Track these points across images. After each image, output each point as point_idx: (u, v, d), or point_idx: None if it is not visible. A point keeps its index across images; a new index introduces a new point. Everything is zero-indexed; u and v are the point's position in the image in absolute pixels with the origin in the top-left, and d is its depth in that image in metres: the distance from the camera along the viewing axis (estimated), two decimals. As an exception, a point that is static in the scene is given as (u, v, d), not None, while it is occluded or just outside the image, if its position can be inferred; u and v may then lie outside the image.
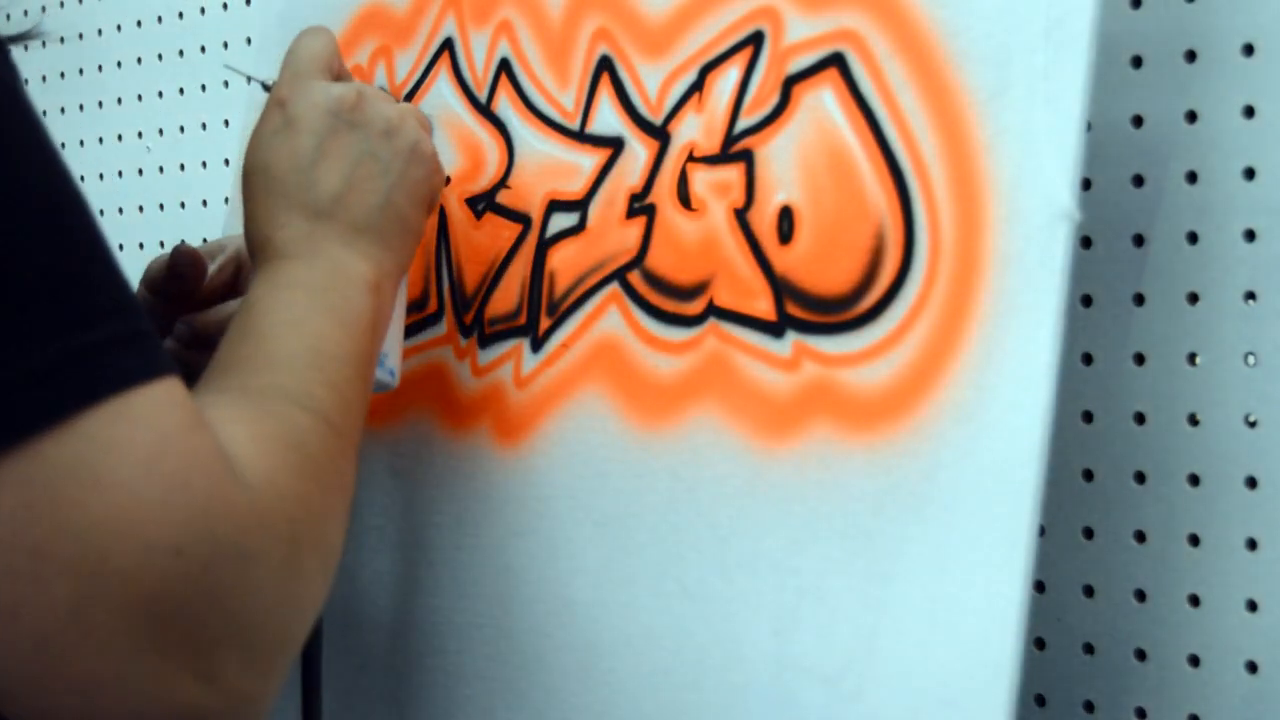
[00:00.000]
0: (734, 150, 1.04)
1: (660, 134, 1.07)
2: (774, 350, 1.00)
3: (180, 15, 1.67)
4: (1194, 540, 1.05)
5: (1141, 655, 1.07)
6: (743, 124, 1.04)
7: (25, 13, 1.80)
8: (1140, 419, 1.07)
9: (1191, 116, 1.05)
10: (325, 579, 0.85)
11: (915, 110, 0.96)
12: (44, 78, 1.79)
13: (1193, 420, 1.05)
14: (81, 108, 1.76)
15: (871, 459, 0.95)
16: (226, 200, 1.34)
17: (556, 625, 1.07)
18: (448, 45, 1.20)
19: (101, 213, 1.74)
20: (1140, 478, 1.07)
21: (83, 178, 1.76)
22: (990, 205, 0.93)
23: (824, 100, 1.00)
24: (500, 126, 1.16)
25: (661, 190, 1.07)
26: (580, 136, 1.12)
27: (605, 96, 1.11)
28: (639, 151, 1.08)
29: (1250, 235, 1.03)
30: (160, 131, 1.68)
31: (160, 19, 1.69)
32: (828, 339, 0.98)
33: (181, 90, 1.66)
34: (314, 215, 0.98)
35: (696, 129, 1.06)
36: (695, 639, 1.01)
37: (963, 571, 0.91)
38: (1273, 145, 1.02)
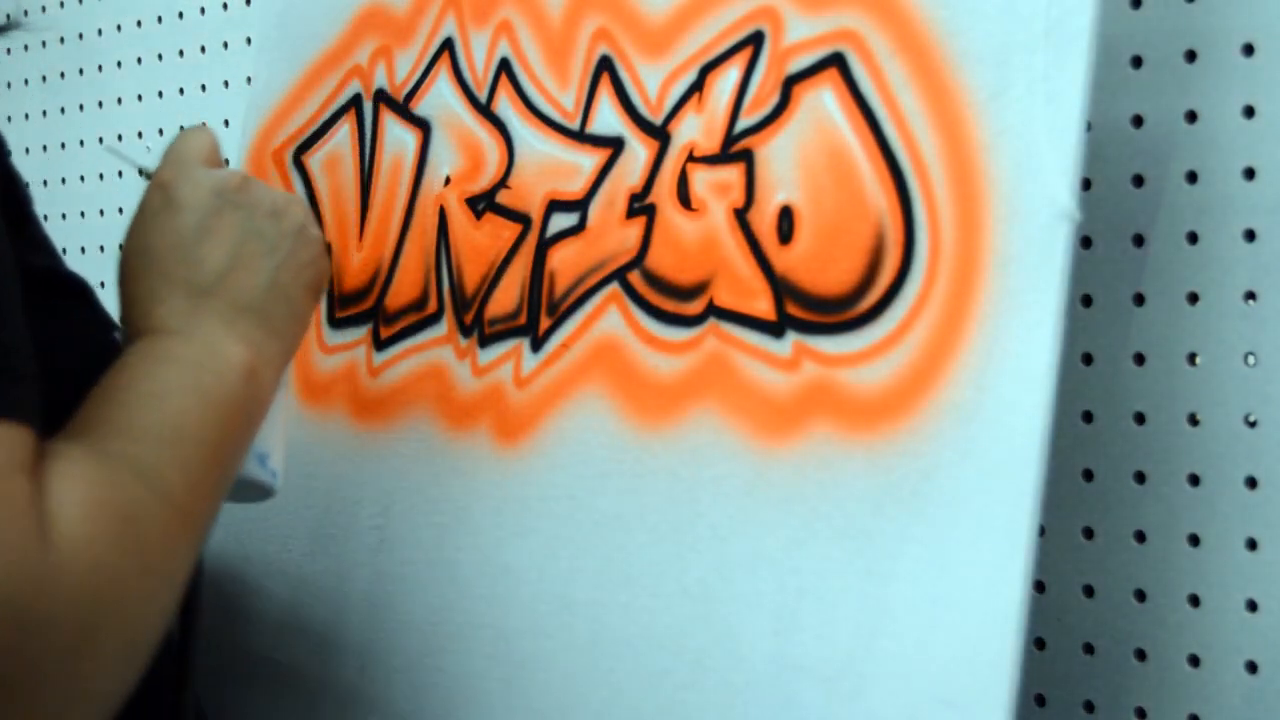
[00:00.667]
0: (734, 150, 1.04)
1: (660, 134, 1.07)
2: (774, 350, 1.00)
3: (180, 15, 1.67)
4: (1194, 540, 1.05)
5: (1141, 655, 1.07)
6: (743, 124, 1.04)
7: (25, 12, 1.80)
8: (1140, 419, 1.07)
9: (1191, 116, 1.05)
10: (126, 669, 0.77)
11: (915, 110, 0.96)
12: (44, 78, 1.79)
13: (1193, 420, 1.05)
14: (81, 108, 1.76)
15: (871, 459, 0.95)
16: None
17: (556, 625, 1.07)
18: (448, 45, 1.20)
19: (101, 213, 1.74)
20: (1140, 478, 1.07)
21: (82, 178, 1.76)
22: (990, 205, 0.93)
23: (824, 100, 1.00)
24: (500, 126, 1.16)
25: (662, 190, 1.07)
26: (580, 136, 1.12)
27: (605, 96, 1.11)
28: (639, 151, 1.08)
29: (1250, 235, 1.03)
30: (160, 131, 1.68)
31: (160, 19, 1.69)
32: (828, 339, 0.98)
33: (181, 90, 1.66)
34: (196, 293, 0.94)
35: (697, 129, 1.06)
36: (695, 639, 1.01)
37: (963, 571, 0.91)
38: (1273, 145, 1.02)
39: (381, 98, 1.24)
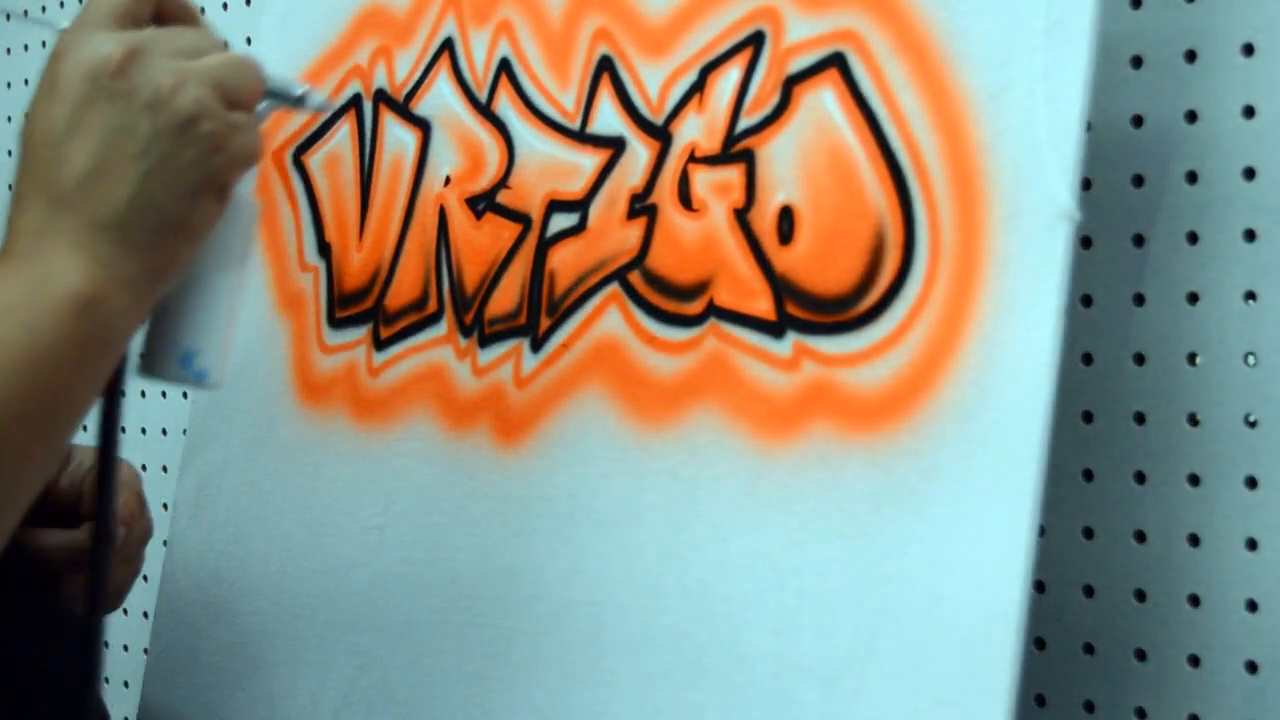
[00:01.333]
0: (735, 150, 1.04)
1: (661, 134, 1.07)
2: (774, 350, 1.00)
3: (180, 15, 1.66)
4: (1194, 540, 1.05)
5: (1141, 655, 1.07)
6: (743, 124, 1.04)
7: (25, 12, 1.80)
8: (1140, 419, 1.07)
9: (1191, 116, 1.05)
10: None
11: (915, 110, 0.96)
12: (44, 78, 1.79)
13: (1193, 420, 1.05)
14: (81, 108, 1.76)
15: (871, 459, 0.95)
16: (226, 200, 1.34)
17: (556, 625, 1.07)
18: (448, 45, 1.20)
19: (101, 213, 1.74)
20: (1140, 478, 1.07)
21: (83, 178, 1.76)
22: (990, 205, 0.93)
23: (824, 100, 1.00)
24: (500, 126, 1.16)
25: (663, 190, 1.07)
26: (581, 137, 1.12)
27: (606, 97, 1.11)
28: (640, 152, 1.08)
29: (1250, 235, 1.03)
30: (160, 131, 1.68)
31: (160, 19, 1.68)
32: (828, 339, 0.98)
33: (181, 90, 1.66)
34: (54, 204, 0.86)
35: (697, 129, 1.06)
36: (695, 639, 1.01)
37: (963, 571, 0.91)
38: (1273, 145, 1.02)
39: (381, 98, 1.24)
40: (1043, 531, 0.90)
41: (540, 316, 1.11)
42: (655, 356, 1.06)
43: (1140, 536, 1.07)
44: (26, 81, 1.80)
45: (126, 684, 1.68)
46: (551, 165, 1.13)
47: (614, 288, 1.08)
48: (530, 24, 1.15)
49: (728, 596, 1.00)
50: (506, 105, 1.16)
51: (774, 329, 1.01)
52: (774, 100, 1.02)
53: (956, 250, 0.94)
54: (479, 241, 1.16)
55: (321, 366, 1.24)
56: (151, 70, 0.87)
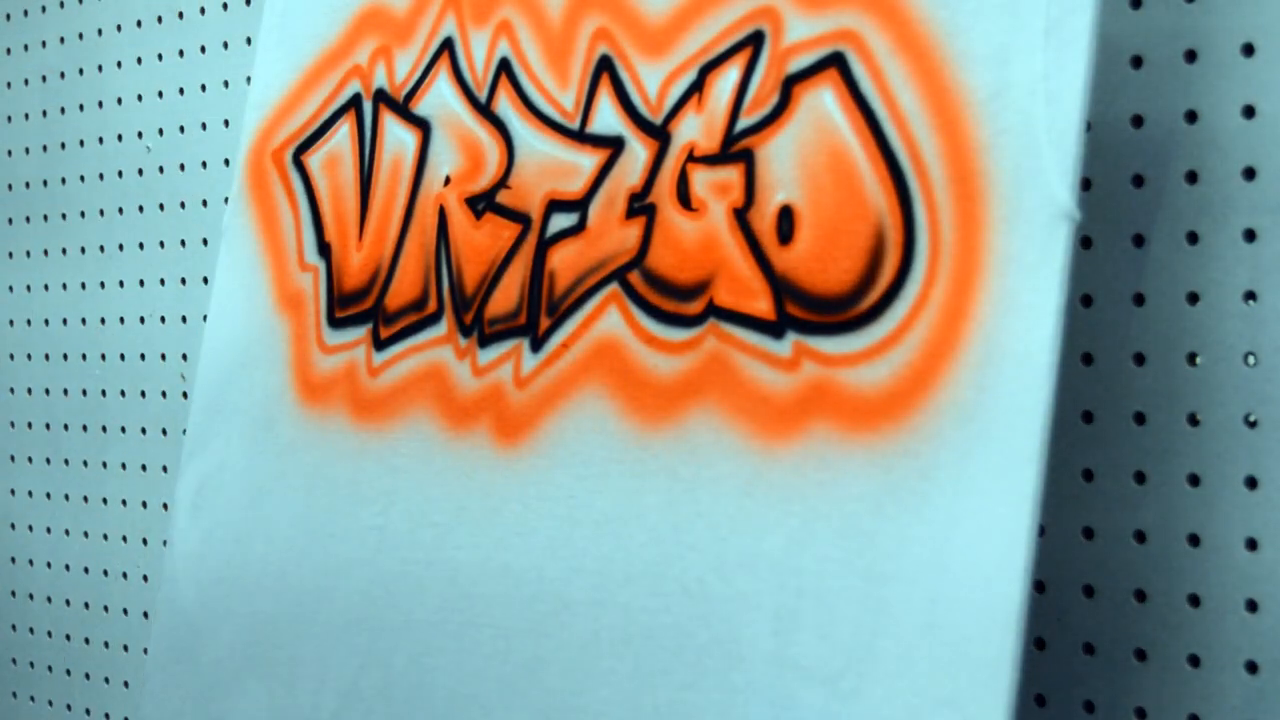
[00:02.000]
0: (734, 150, 1.04)
1: (660, 134, 1.07)
2: (774, 350, 1.00)
3: (180, 15, 1.67)
4: (1194, 540, 1.05)
5: (1141, 655, 1.07)
6: (743, 124, 1.04)
7: (25, 13, 1.80)
8: (1140, 419, 1.07)
9: (1191, 116, 1.05)
10: None
11: (915, 110, 0.96)
12: (44, 78, 1.79)
13: (1193, 420, 1.05)
14: (82, 108, 1.76)
15: (871, 459, 0.95)
16: (226, 200, 1.34)
17: (556, 625, 1.07)
18: (447, 45, 1.20)
19: (101, 213, 1.74)
20: (1140, 478, 1.07)
21: (82, 178, 1.76)
22: (990, 205, 0.93)
23: (824, 100, 1.00)
24: (500, 126, 1.16)
25: (661, 190, 1.07)
26: (580, 136, 1.12)
27: (605, 96, 1.11)
28: (639, 151, 1.08)
29: (1250, 235, 1.03)
30: (160, 131, 1.68)
31: (160, 19, 1.69)
32: (827, 339, 0.98)
33: (181, 90, 1.66)
34: None
35: (696, 129, 1.06)
36: (695, 639, 1.01)
37: (963, 571, 0.91)
38: (1273, 145, 1.02)
39: (381, 97, 1.24)
40: (1043, 531, 0.90)
41: (540, 316, 1.11)
42: (655, 356, 1.06)
43: (1140, 536, 1.07)
44: (26, 82, 1.80)
45: (126, 684, 1.68)
46: (551, 165, 1.13)
47: (614, 287, 1.08)
48: (530, 24, 1.15)
49: (727, 596, 1.00)
50: (506, 105, 1.16)
51: (774, 329, 1.01)
52: (773, 100, 1.02)
53: (956, 250, 0.94)
54: (479, 241, 1.16)
55: (321, 366, 1.24)
56: None
